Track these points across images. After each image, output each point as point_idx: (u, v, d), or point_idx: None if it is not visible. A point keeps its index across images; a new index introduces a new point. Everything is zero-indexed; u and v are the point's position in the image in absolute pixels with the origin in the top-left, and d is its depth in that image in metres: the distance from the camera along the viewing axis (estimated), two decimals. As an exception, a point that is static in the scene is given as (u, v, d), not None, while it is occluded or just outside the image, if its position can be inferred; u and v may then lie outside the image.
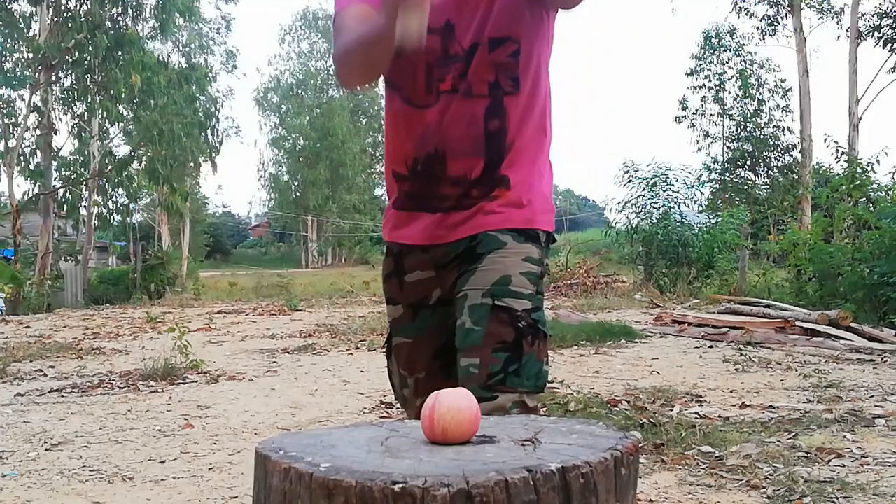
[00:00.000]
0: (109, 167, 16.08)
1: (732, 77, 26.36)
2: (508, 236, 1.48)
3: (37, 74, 14.68)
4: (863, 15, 18.88)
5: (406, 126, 1.53)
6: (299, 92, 42.84)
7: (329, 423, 3.92)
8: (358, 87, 1.69)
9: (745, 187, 25.33)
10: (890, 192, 10.07)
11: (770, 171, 25.58)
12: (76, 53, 14.66)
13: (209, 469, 3.09)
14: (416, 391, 1.59)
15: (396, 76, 1.52)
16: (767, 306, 8.32)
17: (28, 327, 9.25)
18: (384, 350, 1.68)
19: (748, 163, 25.54)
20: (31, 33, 15.20)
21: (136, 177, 16.36)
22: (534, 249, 1.49)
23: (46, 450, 3.42)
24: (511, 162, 1.50)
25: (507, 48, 1.45)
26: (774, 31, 21.78)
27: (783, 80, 25.92)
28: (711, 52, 26.83)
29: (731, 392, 4.50)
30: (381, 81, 1.58)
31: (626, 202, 13.62)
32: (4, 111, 15.28)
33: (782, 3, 20.91)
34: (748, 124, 25.63)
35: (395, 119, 1.55)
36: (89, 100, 15.56)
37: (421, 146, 1.50)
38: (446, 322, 1.53)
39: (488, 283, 1.44)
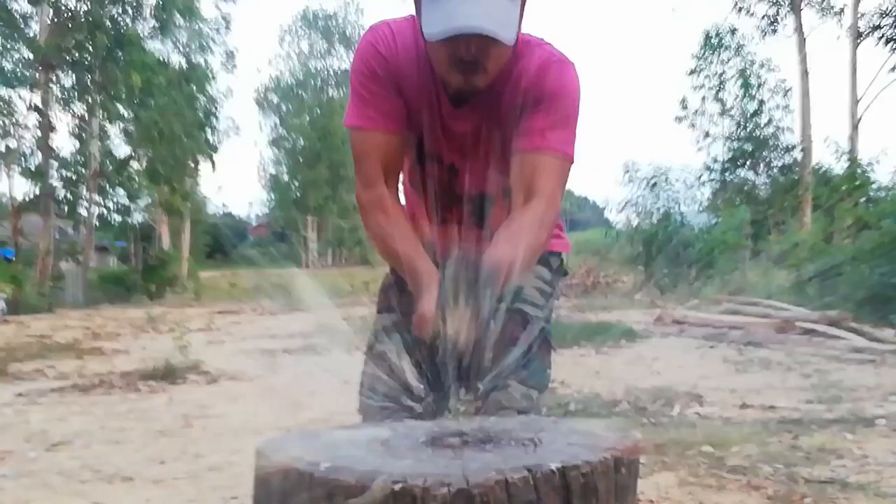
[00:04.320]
0: (109, 167, 16.09)
1: (733, 77, 26.35)
2: None
3: (37, 74, 14.69)
4: (863, 15, 18.90)
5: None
6: (299, 92, 42.83)
7: (329, 423, 3.92)
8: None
9: (745, 187, 25.31)
10: (890, 192, 10.07)
11: (770, 171, 25.55)
12: (76, 53, 14.67)
13: (209, 469, 3.09)
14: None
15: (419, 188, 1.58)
16: (768, 306, 8.32)
17: (28, 327, 9.24)
18: (364, 355, 1.69)
19: (748, 163, 25.52)
20: (31, 33, 15.21)
21: (136, 177, 16.37)
22: (545, 272, 1.58)
23: (46, 450, 3.41)
24: None
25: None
26: (774, 30, 21.80)
27: (783, 80, 25.91)
28: (712, 51, 26.79)
29: (732, 392, 4.49)
30: None
31: (626, 202, 13.65)
32: (4, 111, 15.29)
33: (782, 2, 20.91)
34: (748, 124, 25.61)
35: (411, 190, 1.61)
36: (89, 100, 15.56)
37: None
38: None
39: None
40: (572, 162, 1.42)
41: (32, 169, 15.03)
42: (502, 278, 1.16)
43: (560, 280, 1.67)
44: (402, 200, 1.68)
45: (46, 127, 14.97)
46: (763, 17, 21.59)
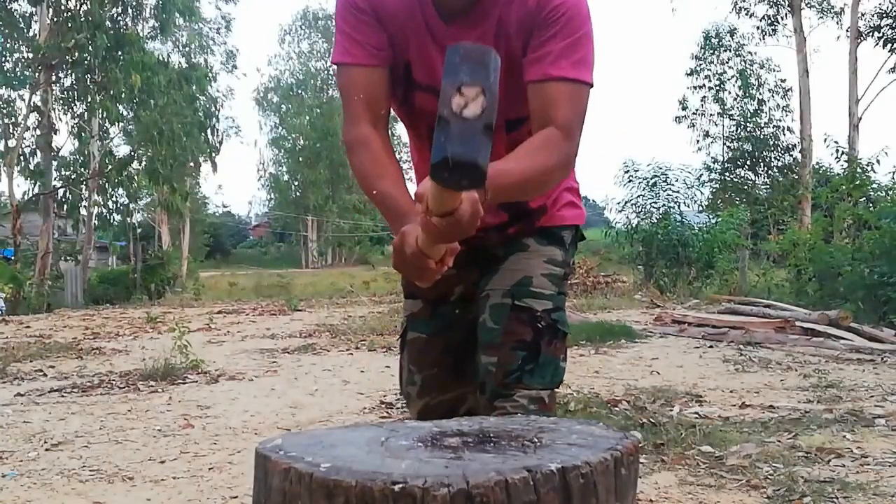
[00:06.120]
0: (109, 167, 16.10)
1: (732, 77, 26.37)
2: (531, 239, 1.52)
3: (37, 74, 14.69)
4: (863, 15, 18.91)
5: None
6: (299, 92, 42.83)
7: (329, 423, 3.92)
8: None
9: (745, 187, 25.34)
10: (890, 192, 10.07)
11: (770, 171, 25.58)
12: (76, 53, 14.66)
13: (209, 469, 3.09)
14: (422, 390, 1.60)
15: (414, 130, 1.52)
16: (767, 306, 8.32)
17: (28, 327, 9.24)
18: (398, 342, 1.69)
19: (748, 163, 25.55)
20: (31, 33, 15.21)
21: (136, 177, 16.38)
22: (556, 251, 1.53)
23: (46, 450, 3.42)
24: (532, 205, 1.53)
25: (524, 127, 1.37)
26: (774, 31, 21.82)
27: (783, 80, 25.95)
28: (711, 52, 26.85)
29: (731, 392, 4.50)
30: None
31: (626, 202, 13.63)
32: (4, 111, 15.29)
33: (782, 3, 20.92)
34: (748, 124, 25.64)
35: (419, 154, 1.56)
36: (89, 100, 15.57)
37: None
38: (465, 318, 1.57)
39: (509, 283, 1.48)
40: (590, 85, 1.33)
41: (32, 169, 15.03)
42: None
43: (575, 254, 1.62)
44: (413, 160, 1.61)
45: (46, 127, 14.97)
46: (763, 18, 21.59)
